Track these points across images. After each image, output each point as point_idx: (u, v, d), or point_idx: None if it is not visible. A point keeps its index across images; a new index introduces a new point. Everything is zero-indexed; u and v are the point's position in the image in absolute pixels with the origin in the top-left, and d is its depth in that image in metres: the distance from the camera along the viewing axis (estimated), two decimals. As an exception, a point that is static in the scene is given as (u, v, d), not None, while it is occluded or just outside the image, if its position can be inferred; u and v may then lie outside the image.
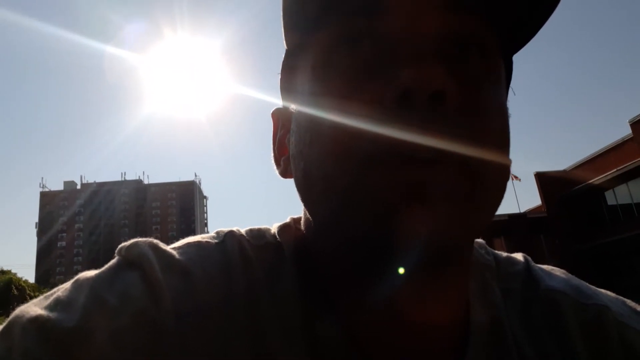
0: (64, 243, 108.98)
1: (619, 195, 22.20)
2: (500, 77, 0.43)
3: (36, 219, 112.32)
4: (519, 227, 23.55)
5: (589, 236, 23.29)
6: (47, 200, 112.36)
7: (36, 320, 0.36)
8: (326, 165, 0.39)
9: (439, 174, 0.35)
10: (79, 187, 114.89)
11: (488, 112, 0.39)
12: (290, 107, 0.48)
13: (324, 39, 0.41)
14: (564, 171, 25.36)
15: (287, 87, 0.50)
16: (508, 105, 0.44)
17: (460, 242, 0.40)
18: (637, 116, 19.82)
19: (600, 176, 21.93)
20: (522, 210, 27.70)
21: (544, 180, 25.10)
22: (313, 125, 0.41)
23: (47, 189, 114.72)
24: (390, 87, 0.36)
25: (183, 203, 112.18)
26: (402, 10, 0.38)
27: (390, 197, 0.36)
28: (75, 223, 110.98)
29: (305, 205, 0.46)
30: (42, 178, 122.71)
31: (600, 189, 22.62)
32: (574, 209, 24.01)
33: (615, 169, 21.05)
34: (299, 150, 0.43)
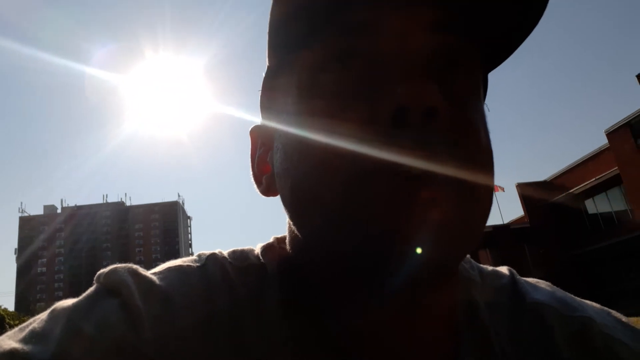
0: (44, 269, 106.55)
1: (599, 204, 22.66)
2: (481, 94, 0.44)
3: (15, 245, 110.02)
4: (503, 238, 23.74)
5: (571, 245, 23.65)
6: (27, 225, 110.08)
7: (10, 354, 0.35)
8: (317, 184, 0.39)
9: (434, 191, 0.35)
10: (59, 211, 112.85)
11: (477, 128, 0.40)
12: (271, 125, 0.48)
13: (312, 57, 0.41)
14: (545, 181, 25.83)
15: (269, 104, 0.50)
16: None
17: (456, 259, 0.40)
18: (612, 126, 20.36)
19: (580, 185, 22.40)
20: (506, 222, 28.01)
21: (526, 191, 25.49)
22: (301, 145, 0.40)
23: (26, 214, 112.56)
24: (383, 104, 0.36)
25: (166, 224, 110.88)
26: (392, 30, 0.38)
27: (385, 215, 0.35)
28: (56, 247, 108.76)
29: (293, 223, 0.45)
30: (22, 203, 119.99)
31: (581, 198, 23.06)
32: (556, 219, 24.41)
33: (594, 179, 21.53)
34: (284, 168, 0.43)
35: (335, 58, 0.40)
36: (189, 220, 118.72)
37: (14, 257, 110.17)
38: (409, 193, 0.35)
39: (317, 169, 0.39)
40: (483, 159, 0.40)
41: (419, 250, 0.35)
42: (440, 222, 0.35)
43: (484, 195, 0.39)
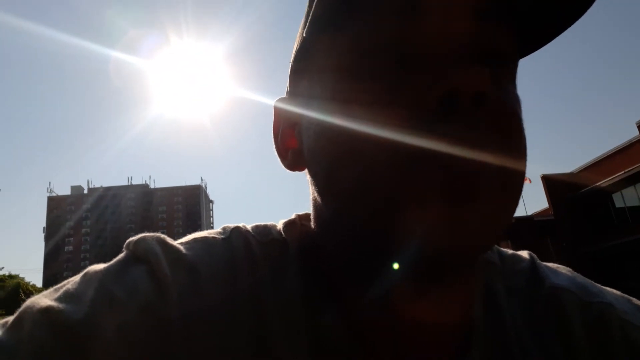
0: (71, 247, 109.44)
1: (627, 198, 22.04)
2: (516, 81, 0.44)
3: (44, 224, 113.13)
4: (525, 230, 23.38)
5: (596, 239, 23.12)
6: (55, 204, 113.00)
7: (46, 311, 0.37)
8: (357, 167, 0.38)
9: (479, 179, 0.35)
10: (85, 191, 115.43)
11: (519, 118, 0.40)
12: (301, 100, 0.47)
13: (355, 39, 0.40)
14: (571, 174, 25.24)
15: (301, 80, 0.48)
16: None
17: (490, 244, 0.41)
18: (644, 118, 19.66)
19: (608, 179, 21.80)
20: (529, 213, 27.56)
21: (551, 183, 24.97)
22: (340, 127, 0.39)
23: (54, 194, 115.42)
24: (432, 88, 0.36)
25: (189, 207, 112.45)
26: (438, 15, 0.38)
27: (427, 202, 0.35)
28: (82, 227, 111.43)
29: (325, 201, 0.44)
30: (50, 183, 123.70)
31: (608, 191, 22.47)
32: (581, 212, 23.86)
33: (623, 171, 20.92)
34: (320, 146, 0.42)
35: (379, 42, 0.39)
36: (211, 204, 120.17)
37: (41, 235, 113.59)
38: (453, 183, 0.35)
39: (358, 154, 0.38)
40: (523, 147, 0.40)
41: (456, 239, 0.35)
42: (480, 213, 0.35)
43: (519, 185, 0.39)
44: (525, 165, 0.40)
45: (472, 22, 0.38)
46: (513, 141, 0.38)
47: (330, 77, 0.42)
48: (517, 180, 0.39)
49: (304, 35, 0.45)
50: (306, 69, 0.47)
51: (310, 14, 0.42)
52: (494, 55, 0.39)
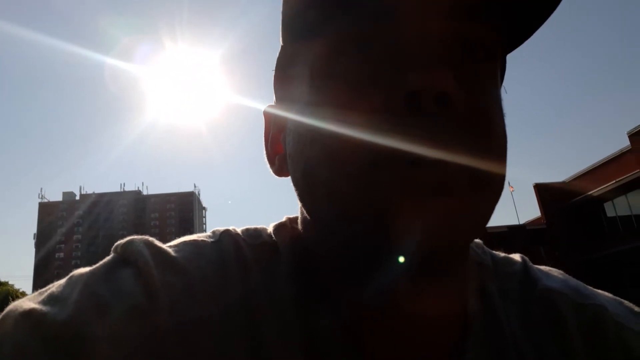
0: (62, 254, 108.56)
1: (618, 207, 22.23)
2: (499, 78, 0.44)
3: (35, 231, 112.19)
4: (518, 239, 23.50)
5: (588, 248, 23.27)
6: (46, 211, 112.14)
7: (29, 313, 0.36)
8: (329, 168, 0.39)
9: (443, 178, 0.36)
10: (77, 198, 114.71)
11: (492, 116, 0.40)
12: (283, 108, 0.48)
13: (327, 44, 0.41)
14: (563, 182, 25.44)
15: (282, 87, 0.50)
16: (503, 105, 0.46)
17: (461, 244, 0.41)
18: (635, 128, 19.91)
19: (599, 188, 21.99)
20: (522, 222, 27.66)
21: (543, 192, 25.14)
22: (313, 131, 0.40)
23: (46, 200, 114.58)
24: (396, 91, 0.36)
25: (182, 214, 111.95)
26: (410, 17, 0.38)
27: (395, 199, 0.36)
28: (74, 234, 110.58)
29: (304, 205, 0.46)
30: (41, 189, 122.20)
31: (600, 200, 22.68)
32: (574, 221, 24.03)
33: (614, 181, 21.12)
34: (297, 151, 0.43)
35: (351, 45, 0.39)
36: (204, 210, 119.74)
37: (32, 242, 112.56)
38: (417, 180, 0.35)
39: (329, 156, 0.39)
40: (496, 147, 0.40)
41: (424, 236, 0.35)
42: (447, 209, 0.36)
43: (494, 183, 0.39)
44: (500, 165, 0.40)
45: (444, 24, 0.38)
46: (481, 140, 0.38)
47: (307, 82, 0.42)
48: (487, 178, 0.38)
49: (281, 43, 0.47)
50: (286, 75, 0.48)
51: (283, 25, 0.44)
52: (471, 54, 0.39)
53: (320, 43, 0.41)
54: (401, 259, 0.38)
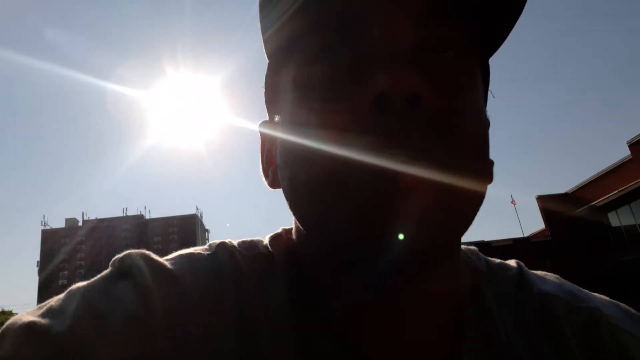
0: (65, 281, 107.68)
1: (622, 217, 22.15)
2: (477, 81, 0.44)
3: (37, 258, 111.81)
4: (523, 252, 23.38)
5: (594, 258, 23.11)
6: (49, 237, 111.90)
7: (29, 326, 0.37)
8: (306, 176, 0.40)
9: (413, 179, 0.36)
10: (80, 223, 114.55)
11: (465, 116, 0.40)
12: (275, 119, 0.50)
13: (303, 53, 0.42)
14: (566, 194, 25.39)
15: (270, 100, 0.52)
16: (488, 109, 0.46)
17: (438, 245, 0.41)
18: (635, 137, 19.98)
19: (602, 198, 21.94)
20: (526, 235, 27.58)
21: (546, 204, 25.10)
22: (293, 139, 0.42)
23: (48, 227, 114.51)
24: (364, 93, 0.37)
25: (184, 237, 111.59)
26: (379, 23, 0.39)
27: (369, 204, 0.36)
28: (77, 260, 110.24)
29: (293, 214, 0.47)
30: (44, 216, 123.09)
31: (604, 211, 22.59)
32: (578, 232, 23.92)
33: (616, 191, 21.08)
34: (283, 161, 0.45)
35: (323, 52, 0.41)
36: (206, 233, 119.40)
37: (35, 270, 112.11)
38: (387, 183, 0.36)
39: (305, 160, 0.40)
40: (470, 145, 0.40)
41: (400, 237, 0.36)
42: (419, 210, 0.36)
43: (470, 184, 0.39)
44: (474, 162, 0.40)
45: (412, 29, 0.39)
46: (453, 139, 0.38)
47: (288, 91, 0.44)
48: (460, 176, 0.38)
49: (267, 60, 0.50)
50: (272, 89, 0.51)
51: (265, 42, 0.48)
52: (440, 57, 0.40)
53: (296, 57, 0.43)
54: (384, 263, 0.38)
